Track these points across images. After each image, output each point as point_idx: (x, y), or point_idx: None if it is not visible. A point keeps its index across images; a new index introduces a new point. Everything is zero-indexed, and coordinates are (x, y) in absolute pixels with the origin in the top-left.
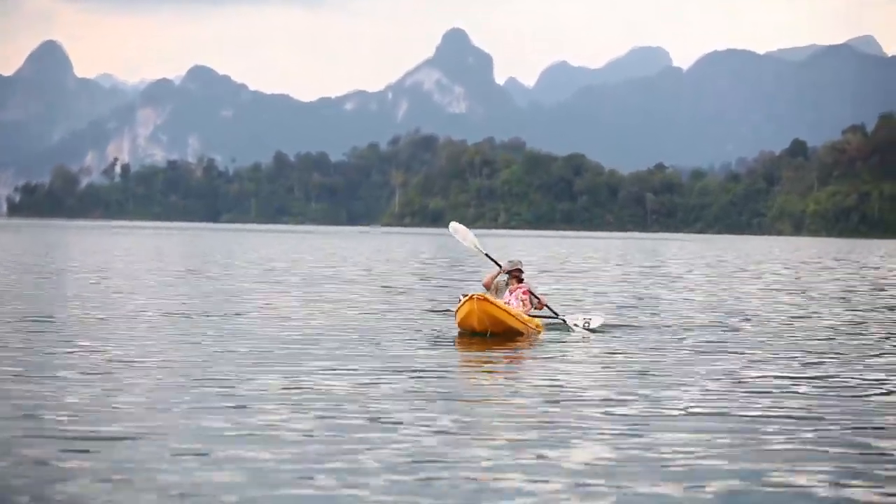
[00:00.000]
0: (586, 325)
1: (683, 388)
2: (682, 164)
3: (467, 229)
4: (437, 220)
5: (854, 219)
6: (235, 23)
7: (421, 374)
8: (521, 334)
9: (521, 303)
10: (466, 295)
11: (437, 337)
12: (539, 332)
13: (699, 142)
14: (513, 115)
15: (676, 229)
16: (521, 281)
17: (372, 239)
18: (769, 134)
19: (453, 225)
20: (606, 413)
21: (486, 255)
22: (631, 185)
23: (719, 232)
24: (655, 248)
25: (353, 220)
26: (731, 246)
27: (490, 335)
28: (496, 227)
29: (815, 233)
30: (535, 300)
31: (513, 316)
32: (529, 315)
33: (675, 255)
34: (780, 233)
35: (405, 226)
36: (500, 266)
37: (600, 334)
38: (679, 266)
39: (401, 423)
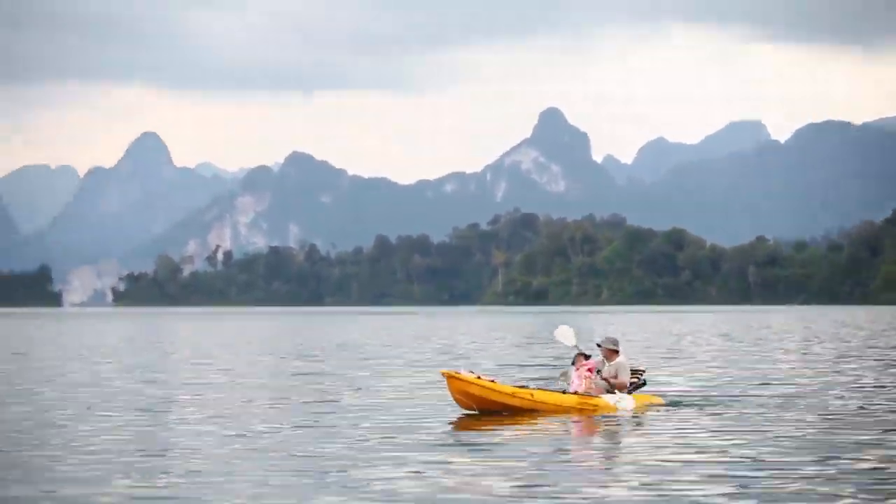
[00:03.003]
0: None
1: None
2: (783, 237)
3: (569, 330)
4: (541, 298)
5: None
6: (332, 109)
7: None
8: (526, 410)
9: (582, 380)
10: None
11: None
12: (586, 411)
13: (799, 214)
14: (611, 192)
15: (780, 301)
16: (587, 357)
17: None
18: (870, 203)
19: (559, 330)
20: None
21: (576, 347)
22: (733, 259)
23: (822, 303)
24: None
25: (455, 300)
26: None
27: (480, 412)
28: (599, 304)
29: None
30: (600, 377)
31: (497, 391)
32: (594, 394)
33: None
34: (886, 303)
35: (508, 304)
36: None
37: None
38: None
39: None
